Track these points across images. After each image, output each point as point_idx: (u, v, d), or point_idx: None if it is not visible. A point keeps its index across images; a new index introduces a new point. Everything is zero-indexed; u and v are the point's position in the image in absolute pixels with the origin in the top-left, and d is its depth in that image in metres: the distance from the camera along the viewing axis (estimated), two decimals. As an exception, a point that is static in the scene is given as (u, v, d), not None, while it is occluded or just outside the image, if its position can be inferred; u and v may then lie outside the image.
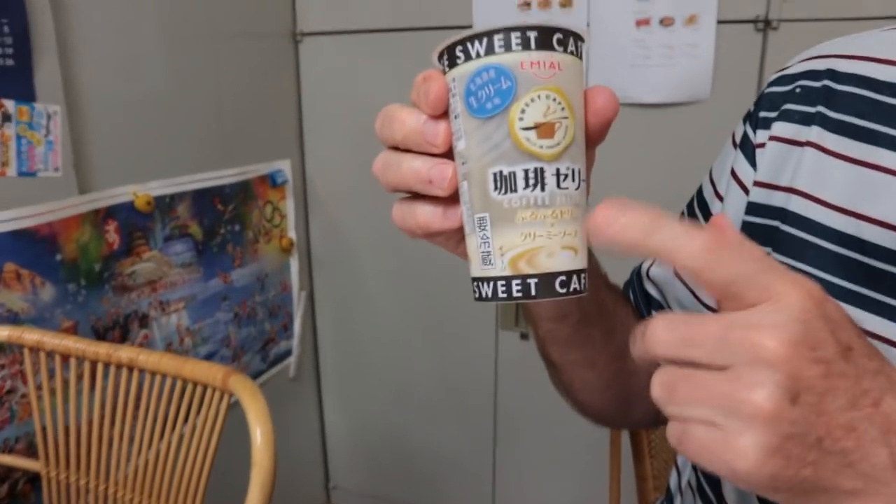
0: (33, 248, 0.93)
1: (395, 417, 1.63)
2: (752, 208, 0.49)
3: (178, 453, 0.74)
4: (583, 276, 0.34)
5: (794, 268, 0.46)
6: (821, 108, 0.46)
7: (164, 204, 1.15)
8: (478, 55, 0.32)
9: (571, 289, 0.33)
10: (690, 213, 0.58)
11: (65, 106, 0.96)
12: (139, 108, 1.09)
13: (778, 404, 0.26)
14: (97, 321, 1.05)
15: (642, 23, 1.15)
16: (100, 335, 1.05)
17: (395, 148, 0.36)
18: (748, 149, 0.51)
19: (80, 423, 0.79)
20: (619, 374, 0.55)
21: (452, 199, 0.35)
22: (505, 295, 0.33)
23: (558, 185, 0.32)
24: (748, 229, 0.50)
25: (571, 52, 0.33)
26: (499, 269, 0.33)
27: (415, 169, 0.35)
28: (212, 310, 1.28)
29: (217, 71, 1.24)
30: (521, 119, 0.31)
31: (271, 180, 1.39)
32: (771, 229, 0.48)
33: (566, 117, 0.32)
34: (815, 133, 0.45)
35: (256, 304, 1.40)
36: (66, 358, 0.78)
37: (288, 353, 1.52)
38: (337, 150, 1.47)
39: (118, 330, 1.09)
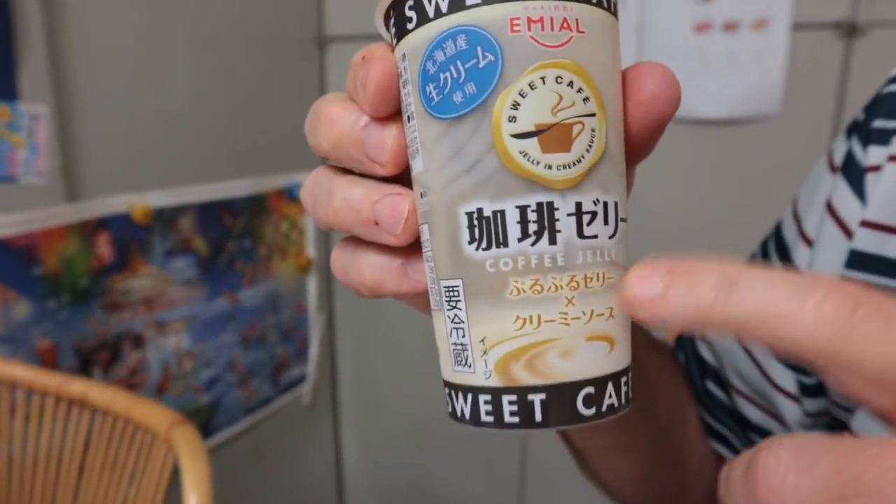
0: (6, 260, 0.85)
1: (417, 454, 1.50)
2: (859, 259, 0.35)
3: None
4: (624, 380, 0.21)
5: None
6: None
7: (166, 216, 1.06)
8: (437, 12, 0.19)
9: (605, 406, 0.20)
10: (765, 264, 0.43)
11: (53, 106, 0.88)
12: (141, 112, 1.01)
13: None
14: (82, 341, 0.96)
15: (702, 27, 1.00)
16: (84, 357, 0.97)
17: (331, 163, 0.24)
18: (854, 173, 0.36)
19: (24, 463, 0.69)
20: (661, 462, 0.42)
21: (416, 245, 0.22)
22: (491, 419, 0.20)
23: (580, 233, 0.19)
24: None
25: (600, 3, 0.20)
26: (480, 374, 0.20)
27: (352, 203, 0.22)
28: (216, 331, 1.19)
29: (231, 75, 1.15)
30: (511, 119, 0.19)
31: (289, 194, 1.29)
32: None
33: (592, 114, 0.19)
34: None
35: (268, 325, 1.30)
36: (11, 387, 0.69)
37: (302, 378, 1.41)
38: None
39: (107, 351, 1.01)
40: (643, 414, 0.39)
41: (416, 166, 0.21)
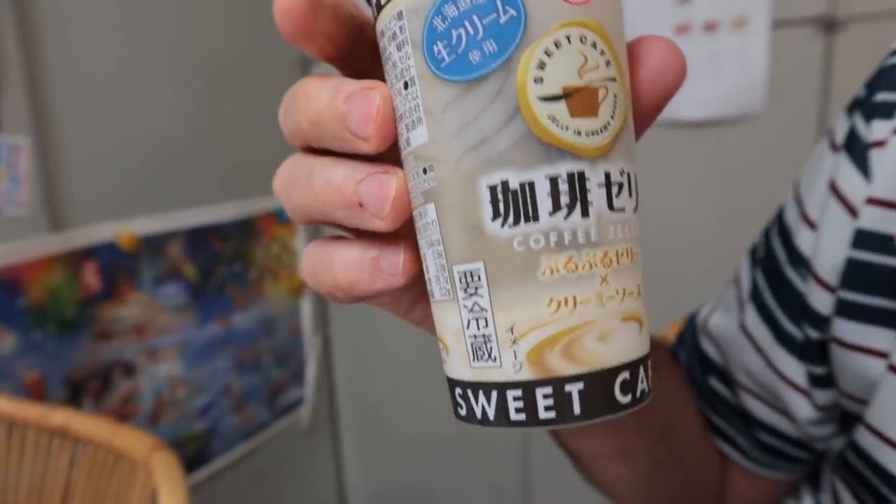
0: (-10, 293, 0.85)
1: (420, 473, 1.48)
2: (864, 239, 0.33)
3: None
4: (650, 363, 0.20)
5: None
6: None
7: (153, 243, 1.06)
8: None
9: (638, 392, 0.19)
10: (768, 250, 0.41)
11: (34, 137, 0.88)
12: (125, 139, 1.01)
13: None
14: (71, 372, 0.95)
15: (682, 29, 1.00)
16: (74, 387, 0.96)
17: (309, 149, 0.22)
18: (858, 150, 0.34)
19: (6, 495, 0.68)
20: (661, 465, 0.41)
21: (394, 236, 0.21)
22: (523, 416, 0.18)
23: (610, 205, 0.18)
24: (856, 270, 0.33)
25: None
26: (509, 367, 0.18)
27: (334, 183, 0.20)
28: (209, 357, 1.18)
29: (214, 98, 1.15)
30: (538, 81, 0.17)
31: (278, 216, 1.29)
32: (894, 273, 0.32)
33: (613, 78, 0.18)
34: None
35: (262, 349, 1.29)
36: (-8, 422, 0.68)
37: (299, 401, 1.40)
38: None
39: (97, 381, 1.00)
40: (640, 417, 0.38)
41: (418, 138, 0.19)
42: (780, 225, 0.40)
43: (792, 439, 0.42)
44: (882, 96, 0.34)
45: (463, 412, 0.20)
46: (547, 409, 0.18)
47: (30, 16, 0.87)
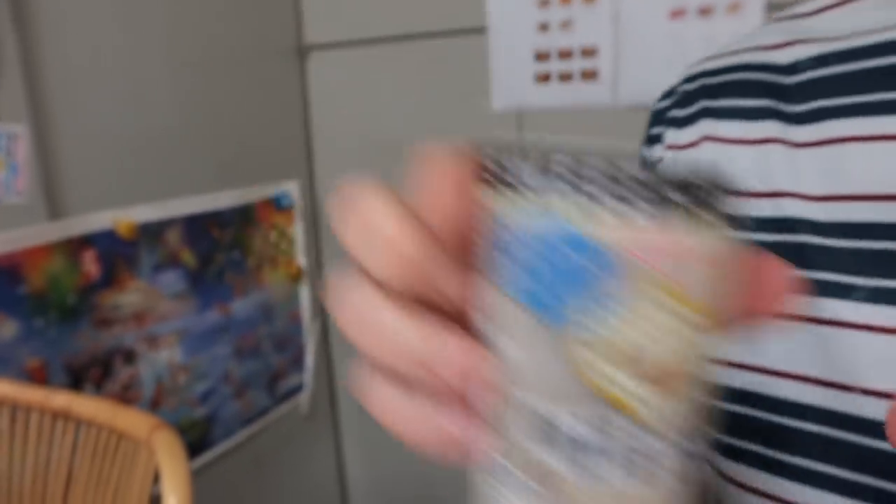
0: (-9, 280, 0.85)
1: (420, 461, 1.49)
2: None
3: (109, 522, 0.64)
4: None
5: None
6: (704, 103, 0.41)
7: (152, 230, 1.06)
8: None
9: None
10: None
11: (32, 125, 0.89)
12: (123, 127, 1.01)
13: None
14: (72, 358, 0.96)
15: (677, 14, 1.00)
16: (75, 374, 0.97)
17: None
18: (650, 167, 0.43)
19: (11, 477, 0.69)
20: None
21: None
22: None
23: None
24: None
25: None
26: None
27: (410, 346, 0.17)
28: (209, 343, 1.19)
29: (213, 86, 1.15)
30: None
31: (276, 203, 1.29)
32: None
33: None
34: (705, 127, 0.41)
35: (261, 336, 1.30)
36: (-5, 406, 0.69)
37: (299, 387, 1.41)
38: (350, 170, 1.37)
39: (98, 368, 1.00)
40: None
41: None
42: None
43: None
44: (654, 130, 0.45)
45: None
46: None
47: (27, 5, 0.87)
